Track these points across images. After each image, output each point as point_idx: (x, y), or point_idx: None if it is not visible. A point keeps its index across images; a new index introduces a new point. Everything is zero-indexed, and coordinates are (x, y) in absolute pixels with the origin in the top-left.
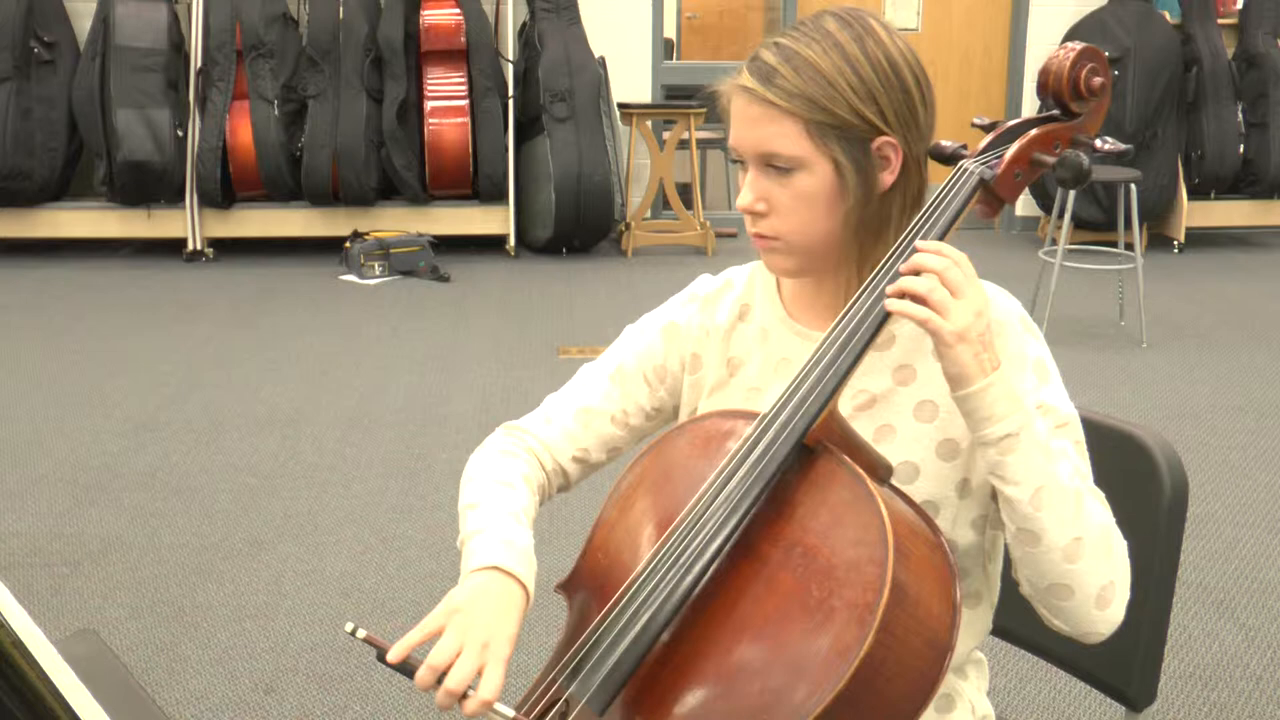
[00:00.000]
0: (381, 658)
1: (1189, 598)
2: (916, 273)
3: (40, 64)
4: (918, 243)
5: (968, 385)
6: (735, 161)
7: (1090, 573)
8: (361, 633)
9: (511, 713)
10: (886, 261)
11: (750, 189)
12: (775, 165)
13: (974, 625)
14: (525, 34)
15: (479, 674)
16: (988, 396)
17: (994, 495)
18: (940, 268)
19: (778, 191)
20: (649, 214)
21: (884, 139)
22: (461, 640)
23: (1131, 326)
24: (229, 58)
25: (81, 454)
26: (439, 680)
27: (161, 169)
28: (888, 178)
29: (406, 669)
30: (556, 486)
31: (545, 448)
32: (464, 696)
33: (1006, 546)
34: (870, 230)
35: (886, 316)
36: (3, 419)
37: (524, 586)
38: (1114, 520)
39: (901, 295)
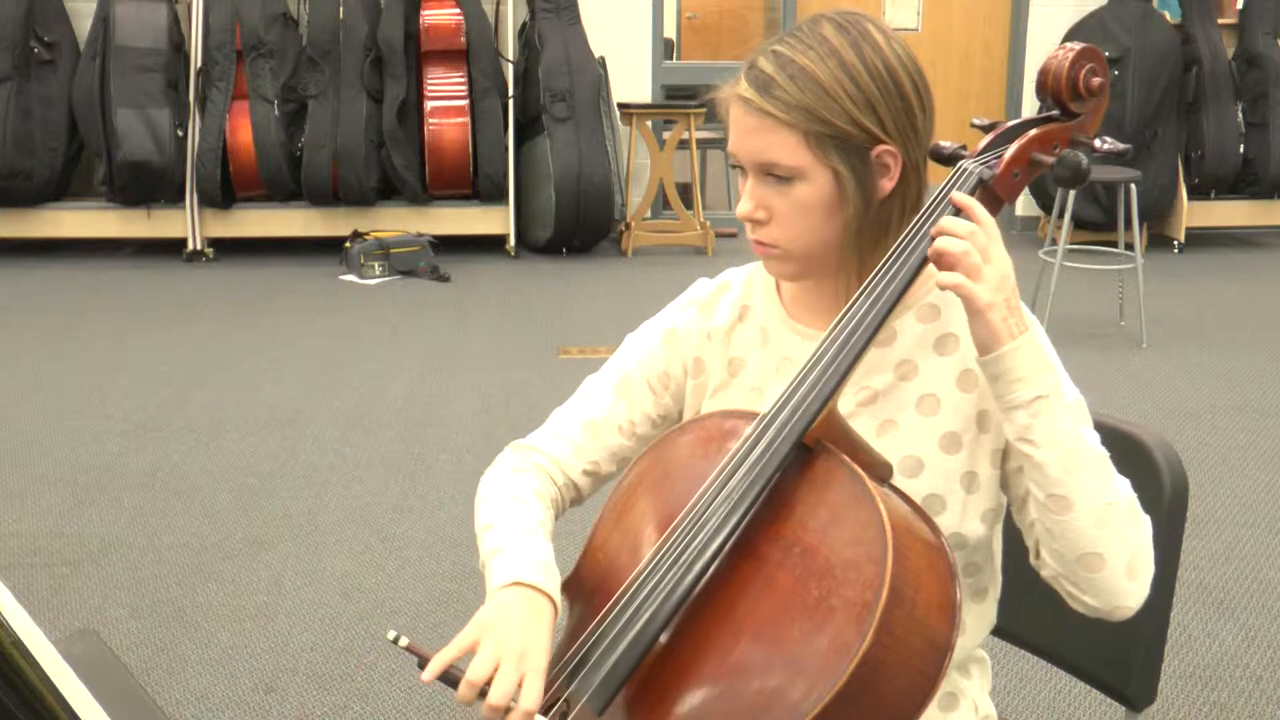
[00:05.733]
0: (424, 666)
1: (1189, 598)
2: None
3: (40, 64)
4: (954, 195)
5: (997, 347)
6: (734, 167)
7: (1121, 540)
8: (404, 640)
9: None
10: (886, 261)
11: (750, 197)
12: (774, 174)
13: (982, 619)
14: (525, 34)
15: (519, 686)
16: (1017, 358)
17: (1003, 484)
18: (967, 232)
19: (777, 200)
20: (649, 214)
21: (883, 147)
22: (498, 654)
23: (1131, 326)
24: (229, 58)
25: (81, 454)
26: (480, 694)
27: (161, 169)
28: (887, 184)
29: (449, 680)
30: (569, 500)
31: (554, 463)
32: (507, 710)
33: (1022, 530)
34: (869, 236)
35: (890, 310)
36: (3, 419)
37: (549, 598)
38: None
39: (937, 256)
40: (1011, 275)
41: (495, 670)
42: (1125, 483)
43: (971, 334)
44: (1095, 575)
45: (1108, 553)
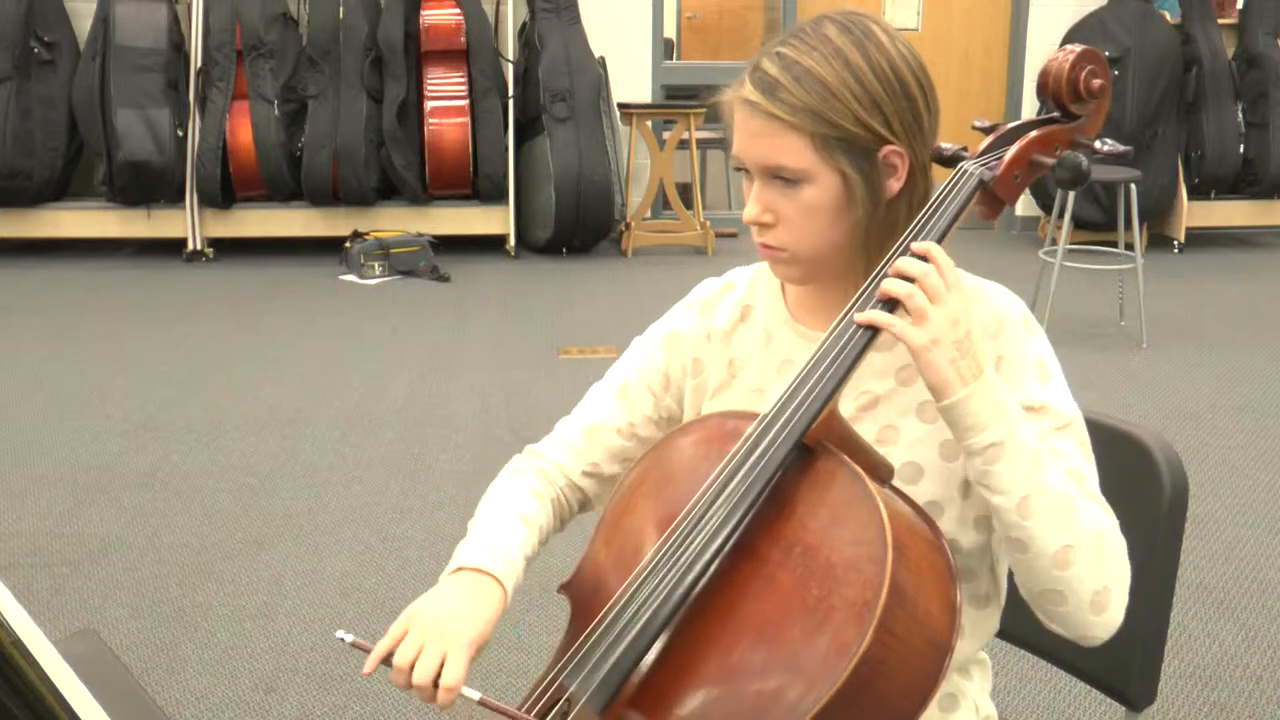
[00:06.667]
0: None
1: (1189, 598)
2: (900, 277)
3: (40, 64)
4: (912, 244)
5: (947, 395)
6: (739, 170)
7: (1082, 579)
8: (349, 638)
9: (477, 695)
10: (885, 264)
11: (756, 201)
12: (781, 177)
13: (982, 626)
14: (525, 34)
15: (442, 664)
16: (971, 406)
17: None
18: (920, 273)
19: (784, 203)
20: (649, 214)
21: (890, 148)
22: (422, 638)
23: (1131, 326)
24: (229, 58)
25: (81, 454)
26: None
27: (161, 169)
28: (894, 185)
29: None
30: (576, 502)
31: (555, 467)
32: (437, 688)
33: None
34: (877, 237)
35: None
36: (3, 419)
37: (492, 576)
38: (1114, 523)
39: (885, 298)
40: (964, 320)
41: (419, 652)
42: (1097, 513)
43: (921, 377)
44: (1057, 609)
45: (1068, 591)
